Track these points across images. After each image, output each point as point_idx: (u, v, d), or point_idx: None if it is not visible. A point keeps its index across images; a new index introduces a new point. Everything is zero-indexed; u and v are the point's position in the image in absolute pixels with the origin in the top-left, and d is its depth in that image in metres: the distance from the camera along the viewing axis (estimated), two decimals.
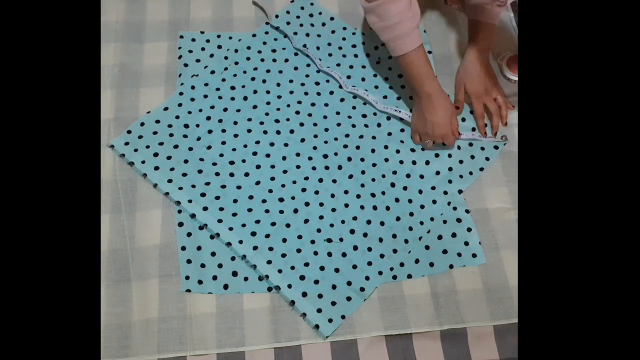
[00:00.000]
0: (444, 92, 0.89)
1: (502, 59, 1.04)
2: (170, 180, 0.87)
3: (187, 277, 0.80)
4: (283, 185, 0.88)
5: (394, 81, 1.00)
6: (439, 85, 0.88)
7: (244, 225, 0.84)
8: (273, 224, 0.85)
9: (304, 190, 0.88)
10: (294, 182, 0.89)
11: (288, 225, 0.85)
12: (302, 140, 0.93)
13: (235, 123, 0.93)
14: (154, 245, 0.83)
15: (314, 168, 0.90)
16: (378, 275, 0.82)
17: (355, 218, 0.86)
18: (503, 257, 0.86)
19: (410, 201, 0.89)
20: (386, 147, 0.93)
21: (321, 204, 0.87)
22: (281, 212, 0.86)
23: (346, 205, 0.87)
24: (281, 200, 0.87)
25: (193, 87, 0.96)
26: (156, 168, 0.88)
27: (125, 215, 0.84)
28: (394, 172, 0.91)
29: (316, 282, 0.81)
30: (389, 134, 0.95)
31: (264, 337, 0.78)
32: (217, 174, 0.88)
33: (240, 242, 0.83)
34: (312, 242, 0.84)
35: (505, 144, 0.95)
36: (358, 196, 0.88)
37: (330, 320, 0.79)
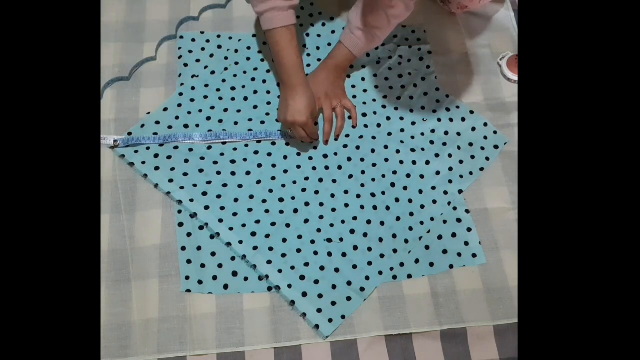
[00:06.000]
0: (307, 85, 0.87)
1: (502, 59, 1.04)
2: (171, 180, 0.87)
3: (187, 277, 0.80)
4: (283, 185, 0.88)
5: (394, 81, 1.00)
6: (304, 79, 0.87)
7: (244, 225, 0.84)
8: (273, 224, 0.85)
9: (304, 190, 0.88)
10: (294, 182, 0.89)
11: (288, 225, 0.85)
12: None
13: (236, 123, 0.93)
14: (154, 246, 0.83)
15: (314, 168, 0.90)
16: (378, 275, 0.82)
17: (355, 218, 0.86)
18: (503, 257, 0.86)
19: (410, 201, 0.89)
20: (386, 147, 0.93)
21: (321, 204, 0.87)
22: (281, 212, 0.86)
23: (346, 205, 0.87)
24: (281, 200, 0.87)
25: (193, 88, 0.96)
26: (157, 168, 0.88)
27: (125, 215, 0.84)
28: (394, 172, 0.91)
29: (316, 282, 0.81)
30: (389, 134, 0.95)
31: (264, 337, 0.78)
32: (219, 172, 0.88)
33: (240, 242, 0.83)
34: (312, 242, 0.84)
35: (506, 144, 0.96)
36: (358, 196, 0.88)
37: (330, 320, 0.79)
